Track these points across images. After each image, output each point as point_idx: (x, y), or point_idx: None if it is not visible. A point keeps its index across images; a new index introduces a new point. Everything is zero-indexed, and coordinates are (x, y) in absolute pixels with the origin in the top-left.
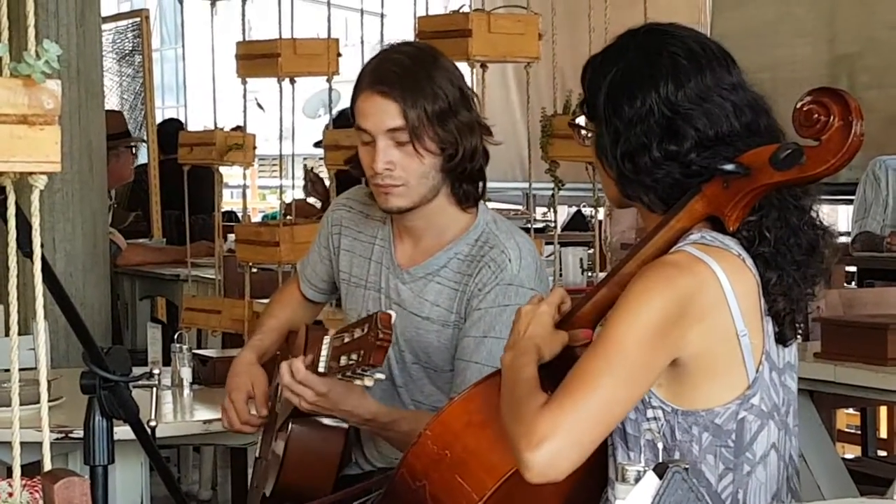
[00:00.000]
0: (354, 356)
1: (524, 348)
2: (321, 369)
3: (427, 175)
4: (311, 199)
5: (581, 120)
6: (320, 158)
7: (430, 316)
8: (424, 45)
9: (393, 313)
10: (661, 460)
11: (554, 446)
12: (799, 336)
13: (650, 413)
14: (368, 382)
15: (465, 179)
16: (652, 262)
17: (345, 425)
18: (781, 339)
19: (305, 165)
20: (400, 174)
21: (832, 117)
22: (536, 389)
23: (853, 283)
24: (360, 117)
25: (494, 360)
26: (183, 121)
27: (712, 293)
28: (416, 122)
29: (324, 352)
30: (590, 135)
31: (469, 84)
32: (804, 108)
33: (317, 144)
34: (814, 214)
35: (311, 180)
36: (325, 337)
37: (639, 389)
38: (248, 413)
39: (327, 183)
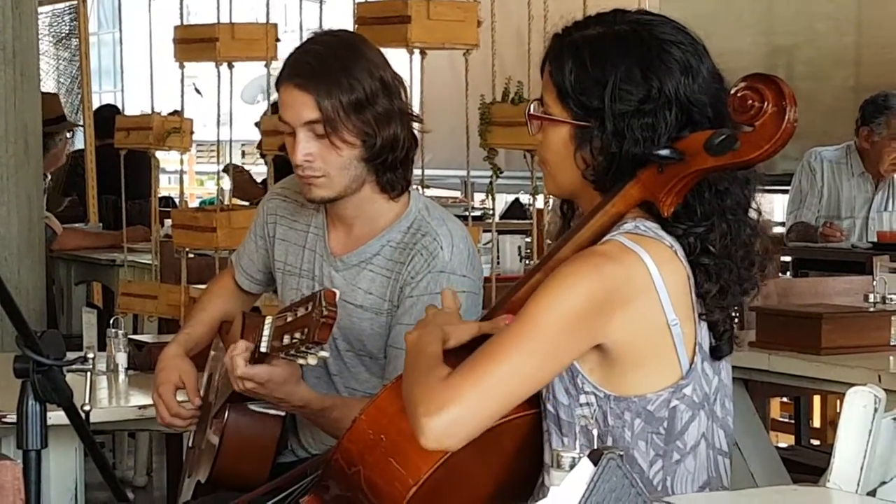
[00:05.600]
0: (298, 334)
1: (430, 330)
2: (263, 349)
3: (347, 166)
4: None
5: (536, 105)
6: (258, 146)
7: (364, 304)
8: (347, 35)
9: (337, 291)
10: (595, 446)
11: (452, 414)
12: (736, 344)
13: (583, 399)
14: (312, 361)
15: (388, 168)
16: (582, 251)
17: (281, 412)
18: (716, 355)
19: (228, 166)
20: (320, 165)
21: (766, 103)
22: (439, 363)
23: (788, 272)
24: (281, 109)
25: None
26: (120, 105)
27: (638, 281)
28: (331, 113)
29: (265, 332)
30: (535, 124)
31: (409, 71)
32: (739, 94)
33: (258, 125)
34: (761, 229)
35: (237, 174)
36: (267, 318)
37: (548, 369)
38: (177, 405)
39: (260, 173)
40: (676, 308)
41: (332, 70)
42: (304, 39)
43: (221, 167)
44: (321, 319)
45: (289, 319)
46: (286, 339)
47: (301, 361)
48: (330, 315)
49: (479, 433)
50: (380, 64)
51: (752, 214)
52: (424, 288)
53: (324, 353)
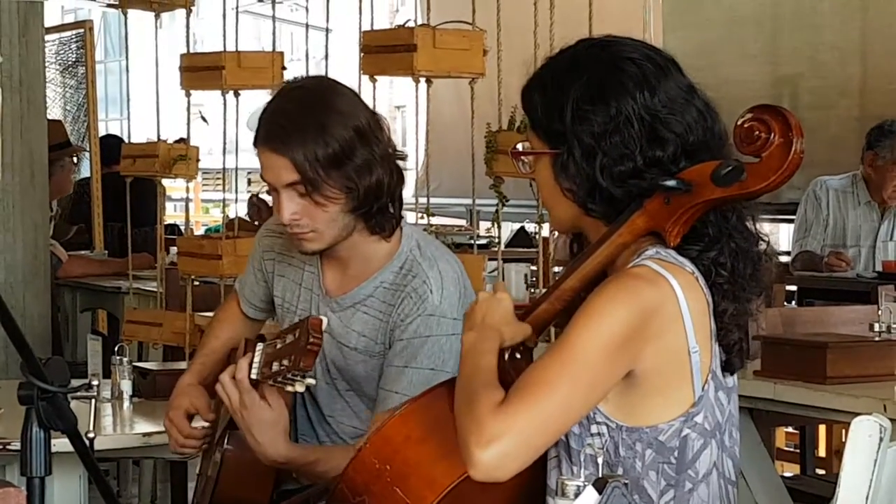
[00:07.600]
0: (285, 361)
1: (487, 332)
2: (254, 376)
3: (334, 219)
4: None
5: (525, 144)
6: None
7: (357, 346)
8: (316, 85)
9: (324, 318)
10: (601, 475)
11: (503, 448)
12: (746, 362)
13: (594, 429)
14: (300, 388)
15: (375, 213)
16: (617, 274)
17: None
18: (729, 368)
19: (251, 193)
20: (307, 223)
21: (773, 134)
22: (494, 383)
23: (793, 301)
24: (261, 169)
25: (415, 389)
26: (126, 133)
27: (671, 309)
28: (310, 174)
29: (256, 358)
30: (528, 158)
31: (415, 99)
32: (745, 125)
33: None
34: (762, 239)
35: (256, 205)
36: (258, 345)
37: (594, 397)
38: (189, 427)
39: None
40: (698, 336)
41: (306, 129)
42: (275, 94)
43: (237, 189)
44: (306, 347)
45: (277, 346)
46: (274, 366)
47: (289, 388)
48: (315, 342)
49: (529, 464)
50: (351, 113)
51: (749, 225)
52: (414, 331)
53: (310, 381)
